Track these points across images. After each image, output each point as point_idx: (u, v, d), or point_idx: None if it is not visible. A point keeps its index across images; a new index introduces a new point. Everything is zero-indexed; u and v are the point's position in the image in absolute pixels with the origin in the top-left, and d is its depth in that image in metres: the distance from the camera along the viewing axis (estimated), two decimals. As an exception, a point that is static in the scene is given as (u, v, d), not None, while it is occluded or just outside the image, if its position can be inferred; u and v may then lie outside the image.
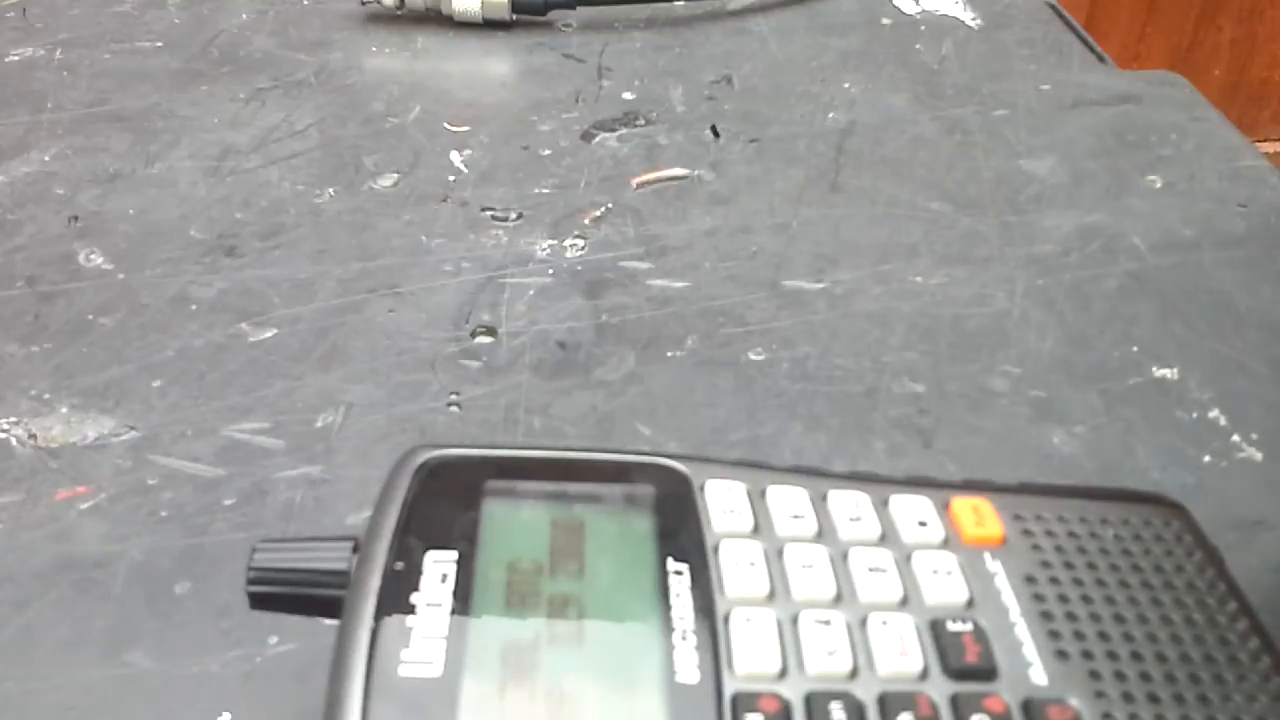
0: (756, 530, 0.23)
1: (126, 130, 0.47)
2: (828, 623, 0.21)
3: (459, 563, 0.21)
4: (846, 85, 0.52)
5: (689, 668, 0.20)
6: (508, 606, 0.21)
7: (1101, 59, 0.55)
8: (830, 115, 0.49)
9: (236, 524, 0.30)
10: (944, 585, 0.22)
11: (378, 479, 0.24)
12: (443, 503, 0.23)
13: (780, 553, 0.22)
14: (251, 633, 0.27)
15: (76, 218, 0.42)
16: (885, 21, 0.57)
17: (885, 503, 0.24)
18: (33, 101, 0.49)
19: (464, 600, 0.21)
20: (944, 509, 0.24)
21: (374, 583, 0.21)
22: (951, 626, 0.21)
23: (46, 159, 0.45)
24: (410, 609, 0.20)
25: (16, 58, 0.52)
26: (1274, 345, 0.37)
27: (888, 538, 0.23)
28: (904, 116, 0.49)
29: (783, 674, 0.20)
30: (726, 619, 0.21)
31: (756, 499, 0.23)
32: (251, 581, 0.23)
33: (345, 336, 0.37)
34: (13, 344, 0.36)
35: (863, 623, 0.21)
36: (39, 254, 0.40)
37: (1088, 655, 0.21)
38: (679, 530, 0.22)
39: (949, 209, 0.44)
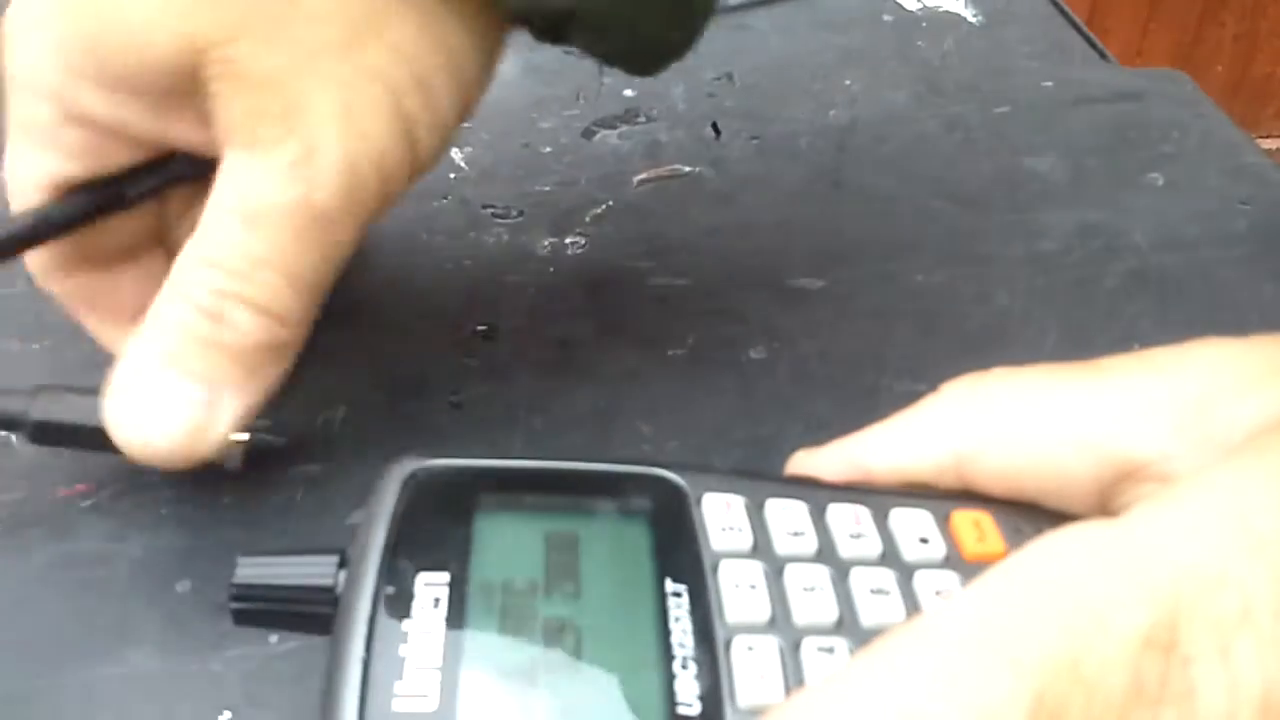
0: (756, 548, 0.22)
1: (127, 127, 0.47)
2: (831, 650, 0.20)
3: (451, 585, 0.21)
4: (848, 82, 0.51)
5: (690, 698, 0.19)
6: (503, 632, 0.20)
7: (1103, 55, 0.55)
8: (831, 112, 0.49)
9: (237, 522, 0.30)
10: None
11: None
12: (432, 518, 0.22)
13: (781, 573, 0.22)
14: (252, 632, 0.27)
15: (77, 215, 0.42)
16: (886, 18, 0.57)
17: (886, 516, 0.23)
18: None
19: (458, 626, 0.20)
20: (944, 522, 0.23)
21: (365, 608, 0.20)
22: None
23: (47, 156, 0.45)
24: (403, 637, 0.20)
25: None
26: (1275, 344, 0.37)
27: (889, 555, 0.22)
28: (905, 113, 0.49)
29: None
30: (728, 646, 0.20)
31: (755, 513, 0.23)
32: (234, 599, 0.23)
33: (345, 334, 0.37)
34: (13, 341, 0.36)
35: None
36: (40, 252, 0.40)
37: None
38: (676, 548, 0.22)
39: (950, 206, 0.43)
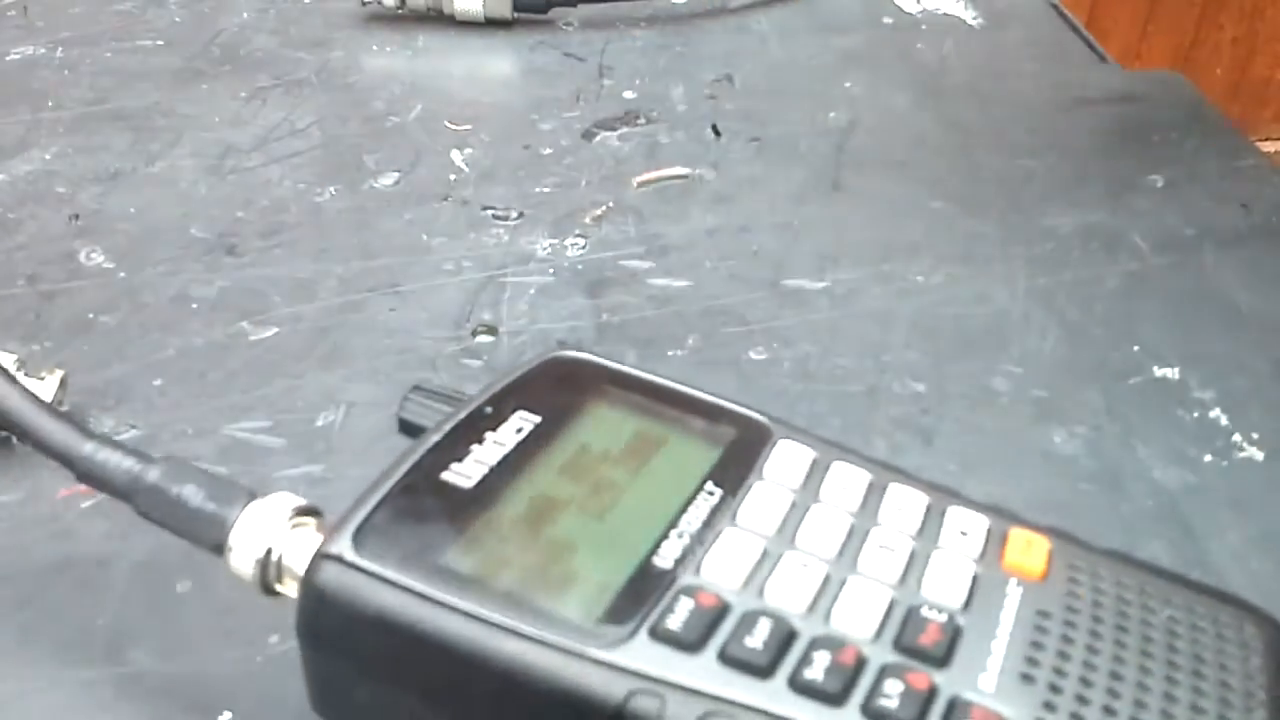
0: (801, 488, 0.24)
1: (127, 129, 0.47)
2: (806, 566, 0.22)
3: (539, 425, 0.24)
4: (848, 84, 0.51)
5: (668, 557, 0.22)
6: (559, 471, 0.23)
7: (1103, 58, 0.55)
8: (831, 114, 0.49)
9: (237, 523, 0.30)
10: (946, 583, 0.22)
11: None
12: (555, 384, 0.26)
13: (807, 510, 0.23)
14: (253, 631, 0.27)
15: (77, 216, 0.42)
16: (887, 20, 0.57)
17: (944, 509, 0.24)
18: (34, 100, 0.49)
19: (526, 451, 0.24)
20: (1001, 532, 0.23)
21: (464, 411, 0.24)
22: (925, 612, 0.21)
23: (47, 157, 0.45)
24: (479, 439, 0.24)
25: (18, 56, 0.52)
26: (1275, 345, 0.37)
27: (924, 534, 0.23)
28: (905, 115, 0.49)
29: (743, 588, 0.21)
30: (720, 534, 0.22)
31: (819, 466, 0.24)
32: (402, 410, 0.27)
33: (346, 335, 0.37)
34: (14, 342, 0.36)
35: (843, 582, 0.21)
36: (40, 252, 0.40)
37: (1055, 690, 0.20)
38: (734, 465, 0.24)
39: (950, 208, 0.44)
